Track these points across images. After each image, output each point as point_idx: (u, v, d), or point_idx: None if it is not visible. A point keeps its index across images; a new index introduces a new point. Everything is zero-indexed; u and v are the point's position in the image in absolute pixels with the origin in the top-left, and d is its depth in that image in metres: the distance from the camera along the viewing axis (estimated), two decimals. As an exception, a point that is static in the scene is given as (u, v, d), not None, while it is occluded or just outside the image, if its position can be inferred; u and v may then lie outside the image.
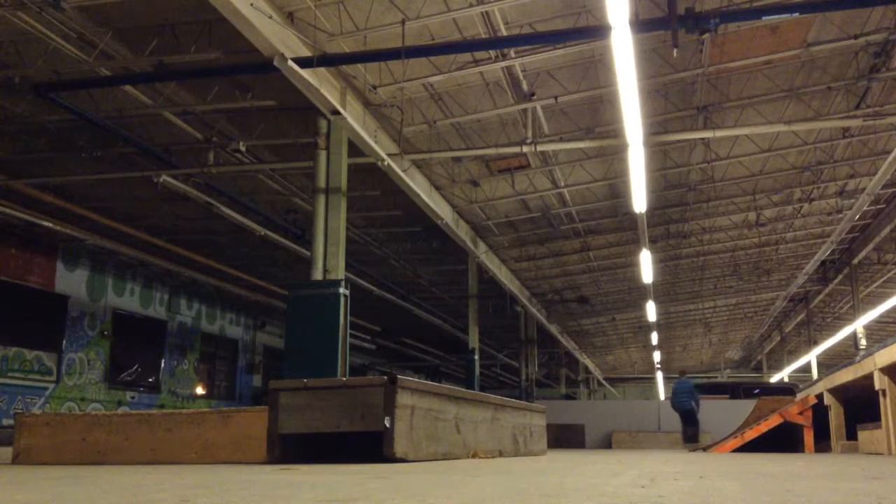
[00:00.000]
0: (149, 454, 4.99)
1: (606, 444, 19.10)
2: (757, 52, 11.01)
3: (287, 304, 10.60)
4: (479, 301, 19.07)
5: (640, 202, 13.15)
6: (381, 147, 10.94)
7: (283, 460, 4.64)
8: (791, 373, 35.21)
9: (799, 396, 12.73)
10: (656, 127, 12.57)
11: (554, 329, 26.72)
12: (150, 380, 20.26)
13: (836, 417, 10.68)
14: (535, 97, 11.26)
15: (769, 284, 25.92)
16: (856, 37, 10.58)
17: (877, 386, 8.23)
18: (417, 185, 12.78)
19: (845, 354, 27.57)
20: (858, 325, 22.76)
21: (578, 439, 19.40)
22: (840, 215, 17.47)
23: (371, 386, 4.63)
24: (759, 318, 32.80)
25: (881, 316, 24.64)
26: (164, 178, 11.95)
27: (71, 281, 17.54)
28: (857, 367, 9.24)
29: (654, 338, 30.06)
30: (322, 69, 9.08)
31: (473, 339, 18.49)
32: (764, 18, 9.32)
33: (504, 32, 9.55)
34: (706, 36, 9.05)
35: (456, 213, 15.82)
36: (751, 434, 11.29)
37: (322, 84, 9.07)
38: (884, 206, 18.07)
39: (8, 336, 15.66)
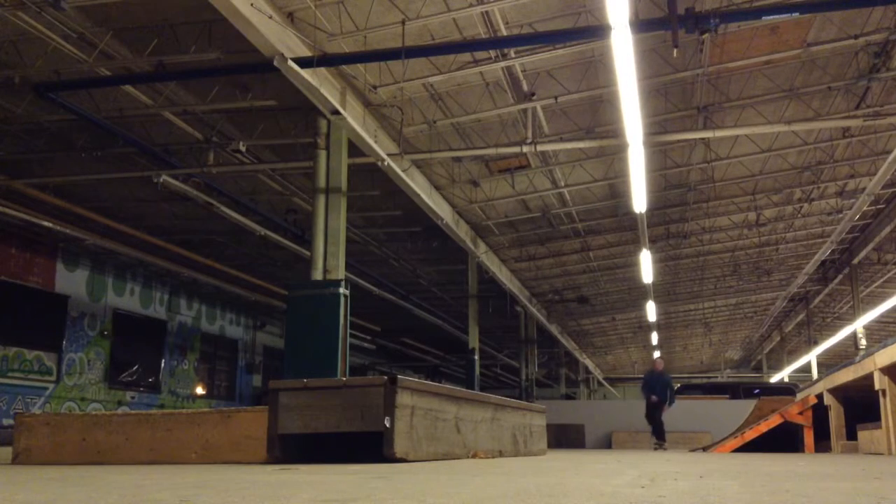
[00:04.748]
0: (149, 454, 4.99)
1: (606, 444, 19.10)
2: (757, 52, 11.01)
3: (287, 304, 10.60)
4: (479, 301, 19.06)
5: (640, 202, 13.15)
6: (381, 147, 10.94)
7: (283, 460, 4.64)
8: (791, 373, 35.19)
9: (799, 396, 12.73)
10: (656, 127, 12.57)
11: (554, 329, 26.71)
12: (150, 380, 20.25)
13: (836, 417, 10.68)
14: (535, 97, 11.26)
15: (769, 284, 25.92)
16: (856, 37, 10.58)
17: (877, 386, 8.24)
18: (417, 185, 12.78)
19: (845, 354, 27.54)
20: (858, 325, 22.76)
21: (578, 439, 19.40)
22: (840, 215, 17.47)
23: (371, 386, 4.63)
24: (759, 318, 32.80)
25: (881, 316, 24.64)
26: (164, 178, 11.95)
27: (71, 281, 17.53)
28: (857, 367, 9.24)
29: (654, 338, 30.05)
30: (322, 69, 9.08)
31: (473, 339, 18.48)
32: (764, 18, 9.32)
33: (504, 32, 9.55)
34: (706, 36, 9.04)
35: (456, 213, 15.82)
36: (751, 434, 11.29)
37: (322, 84, 9.07)
38: (884, 206, 18.06)
39: (8, 336, 15.65)
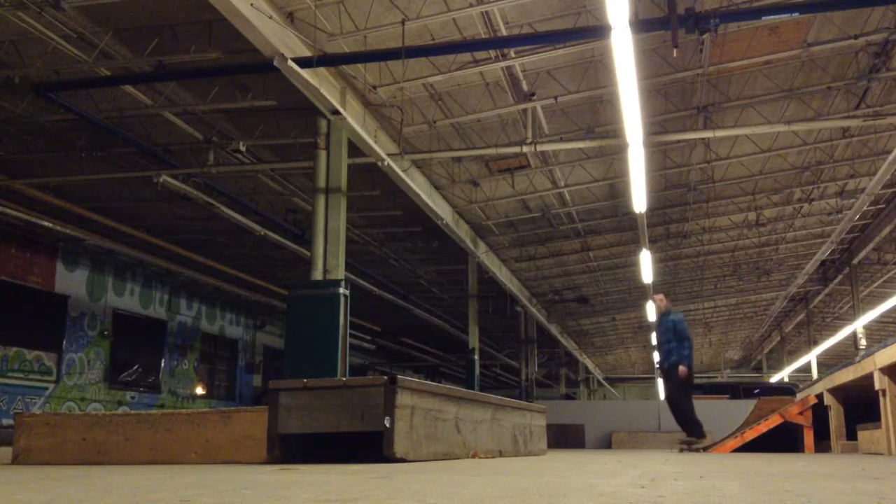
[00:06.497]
0: (149, 454, 4.99)
1: (606, 444, 19.08)
2: (757, 52, 11.02)
3: (287, 304, 10.60)
4: (479, 301, 19.06)
5: (640, 202, 13.15)
6: (381, 147, 10.94)
7: (283, 460, 4.64)
8: (791, 373, 35.20)
9: (799, 396, 12.73)
10: (656, 127, 12.57)
11: (554, 329, 26.72)
12: (150, 380, 20.26)
13: (836, 417, 10.67)
14: (535, 97, 11.26)
15: (769, 284, 25.92)
16: (856, 37, 10.58)
17: (877, 386, 8.23)
18: (417, 185, 12.78)
19: (845, 354, 27.56)
20: (858, 325, 22.76)
21: (578, 439, 19.38)
22: (840, 215, 17.47)
23: (371, 386, 4.62)
24: (759, 318, 32.80)
25: (881, 316, 24.65)
26: (164, 178, 11.96)
27: (71, 281, 17.53)
28: (857, 367, 9.23)
29: (654, 338, 30.01)
30: (322, 69, 9.08)
31: (473, 339, 18.48)
32: (764, 18, 9.33)
33: (504, 32, 9.55)
34: (706, 36, 9.05)
35: (456, 213, 15.82)
36: (751, 434, 11.28)
37: (322, 84, 9.07)
38: (884, 206, 18.07)
39: (8, 336, 15.65)
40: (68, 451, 5.07)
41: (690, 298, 27.38)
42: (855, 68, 11.59)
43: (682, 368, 10.55)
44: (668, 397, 11.01)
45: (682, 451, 10.21)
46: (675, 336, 10.85)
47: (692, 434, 10.43)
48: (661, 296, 11.81)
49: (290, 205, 15.11)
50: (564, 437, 18.89)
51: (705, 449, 10.58)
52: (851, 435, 10.20)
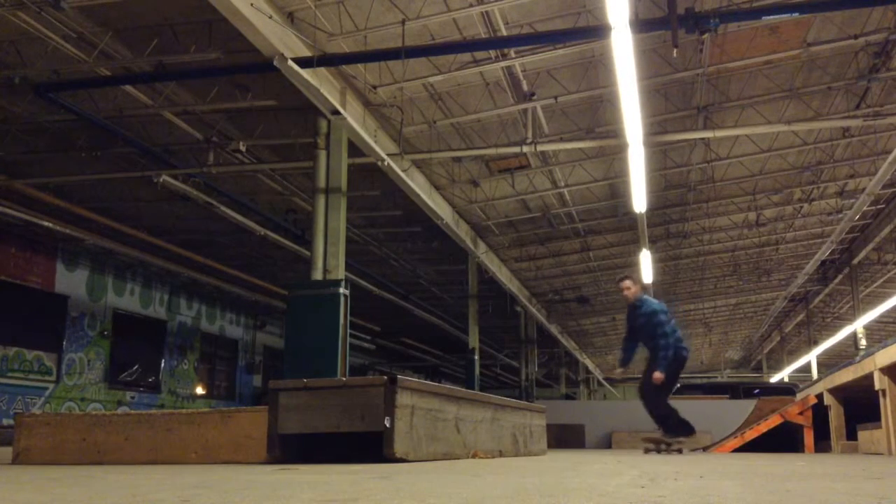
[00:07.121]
0: (149, 454, 4.99)
1: (606, 444, 19.08)
2: (757, 52, 11.02)
3: (287, 304, 10.60)
4: (479, 301, 19.06)
5: (640, 202, 13.15)
6: (381, 147, 10.94)
7: (283, 460, 4.64)
8: (791, 373, 35.20)
9: (799, 396, 12.73)
10: (656, 127, 12.57)
11: (554, 329, 26.71)
12: (150, 380, 20.25)
13: (836, 417, 10.68)
14: (535, 97, 11.26)
15: (769, 284, 25.92)
16: (856, 37, 10.58)
17: (877, 386, 8.23)
18: (417, 185, 12.78)
19: (845, 354, 27.55)
20: (858, 325, 22.75)
21: (578, 439, 19.37)
22: (840, 215, 17.47)
23: (371, 386, 4.62)
24: (759, 318, 32.80)
25: (881, 316, 24.63)
26: (164, 178, 11.96)
27: (71, 281, 17.53)
28: (857, 367, 9.23)
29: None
30: (322, 69, 9.08)
31: (473, 339, 18.48)
32: (764, 18, 9.33)
33: (504, 32, 9.55)
34: (706, 36, 9.05)
35: (456, 213, 15.81)
36: (751, 434, 11.29)
37: (322, 84, 9.07)
38: (884, 206, 18.07)
39: (8, 336, 15.65)
40: (68, 451, 5.07)
41: (690, 298, 27.40)
42: (855, 68, 11.58)
43: (656, 375, 8.49)
44: (645, 390, 8.82)
45: (648, 451, 8.75)
46: (652, 330, 8.80)
47: (672, 430, 8.71)
48: (627, 282, 9.13)
49: (290, 205, 15.11)
50: (564, 437, 18.88)
51: (705, 449, 10.54)
52: (851, 435, 10.21)
